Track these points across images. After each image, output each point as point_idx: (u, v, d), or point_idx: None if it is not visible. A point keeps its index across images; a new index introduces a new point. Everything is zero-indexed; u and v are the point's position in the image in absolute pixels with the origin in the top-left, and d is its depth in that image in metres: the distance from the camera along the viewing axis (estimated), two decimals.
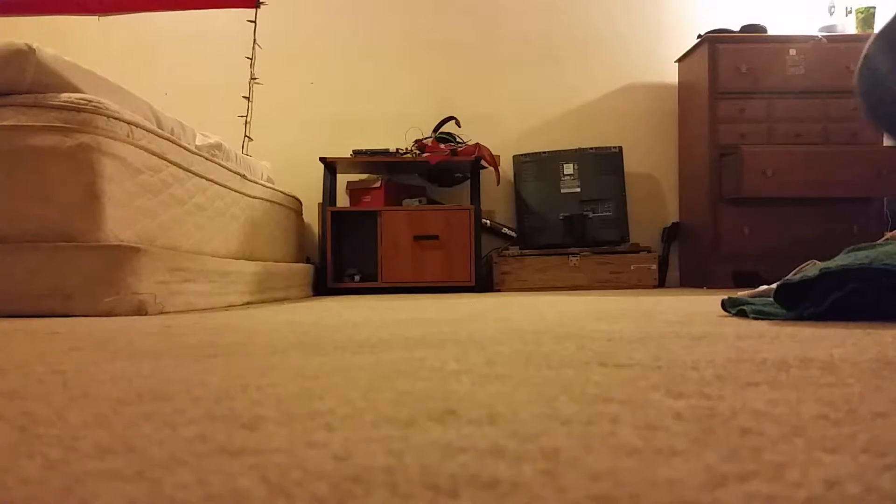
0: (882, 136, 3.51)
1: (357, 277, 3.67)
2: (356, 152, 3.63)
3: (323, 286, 3.54)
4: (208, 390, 0.56)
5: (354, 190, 3.75)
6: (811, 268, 1.30)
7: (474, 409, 0.47)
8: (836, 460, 0.34)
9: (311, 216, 3.97)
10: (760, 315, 1.29)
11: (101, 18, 3.88)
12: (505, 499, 0.29)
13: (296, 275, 3.22)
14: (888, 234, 1.43)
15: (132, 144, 1.90)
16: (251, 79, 3.61)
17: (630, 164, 4.04)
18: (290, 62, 4.11)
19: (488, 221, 3.95)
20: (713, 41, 3.57)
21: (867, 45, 1.42)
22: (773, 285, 1.36)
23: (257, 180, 2.94)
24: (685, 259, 3.97)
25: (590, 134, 4.11)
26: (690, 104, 3.84)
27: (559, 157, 3.85)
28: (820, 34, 3.56)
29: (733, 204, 3.50)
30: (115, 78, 2.05)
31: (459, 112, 4.04)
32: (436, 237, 3.51)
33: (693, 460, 0.34)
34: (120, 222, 1.82)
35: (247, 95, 3.61)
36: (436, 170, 3.71)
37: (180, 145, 2.18)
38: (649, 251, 3.69)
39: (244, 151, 3.44)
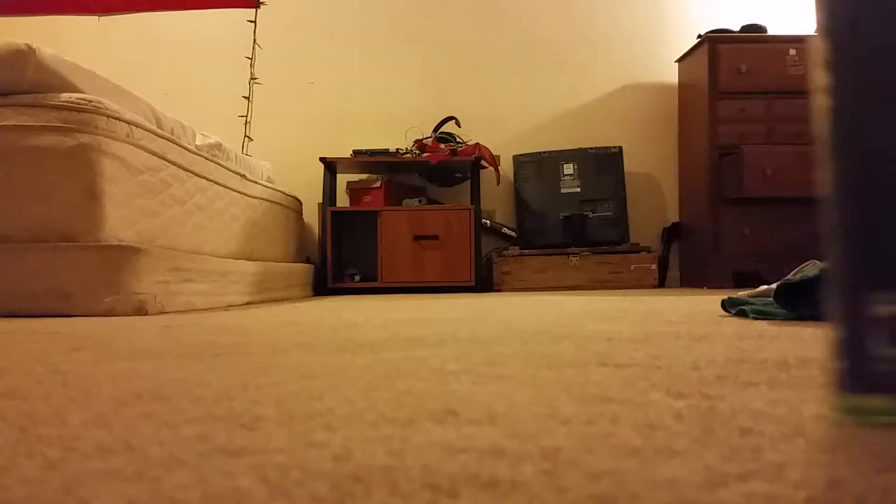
0: None
1: (357, 277, 3.67)
2: (356, 152, 3.64)
3: (323, 286, 3.54)
4: (208, 390, 0.56)
5: (354, 190, 3.75)
6: (811, 268, 1.29)
7: (474, 409, 0.47)
8: (835, 460, 0.34)
9: (311, 216, 3.97)
10: (760, 315, 1.29)
11: (101, 18, 3.88)
12: (505, 499, 0.29)
13: (296, 275, 3.22)
14: None
15: (132, 144, 1.90)
16: (251, 79, 3.61)
17: (630, 164, 4.04)
18: (290, 62, 4.11)
19: (488, 221, 3.95)
20: (713, 41, 3.57)
21: None
22: (773, 285, 1.36)
23: (257, 180, 2.94)
24: (685, 259, 3.97)
25: (590, 134, 4.11)
26: (690, 104, 3.84)
27: (559, 157, 3.85)
28: None
29: (733, 204, 3.50)
30: (115, 78, 2.05)
31: (459, 112, 4.04)
32: (436, 237, 3.51)
33: (693, 460, 0.34)
34: (120, 222, 1.82)
35: (247, 95, 3.61)
36: (436, 170, 3.71)
37: (180, 145, 2.18)
38: (649, 251, 3.69)
39: (244, 151, 3.44)
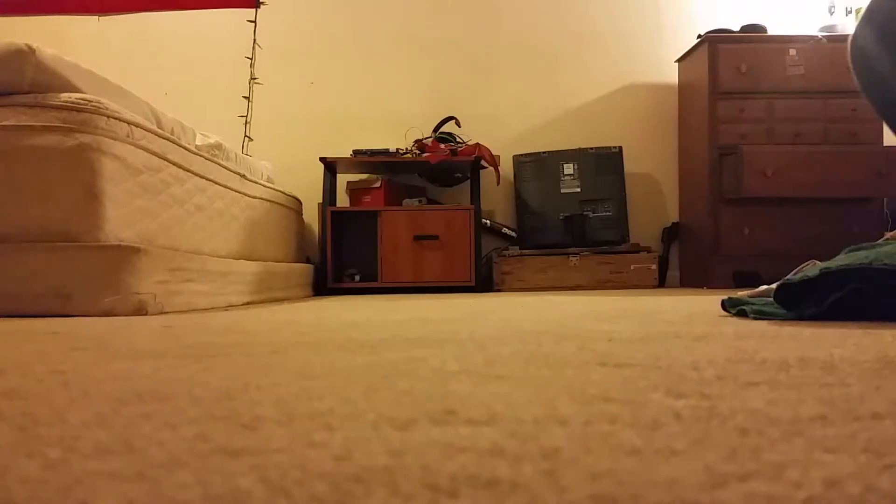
0: (882, 132, 3.51)
1: (357, 277, 3.67)
2: (356, 152, 3.63)
3: (323, 286, 3.54)
4: (208, 390, 0.56)
5: (354, 190, 3.75)
6: (811, 268, 1.29)
7: (474, 409, 0.47)
8: (836, 460, 0.34)
9: (311, 216, 3.96)
10: (760, 315, 1.29)
11: (101, 18, 3.88)
12: (505, 499, 0.29)
13: (296, 275, 3.22)
14: (888, 234, 1.43)
15: (132, 144, 1.90)
16: (251, 79, 3.61)
17: (630, 164, 4.04)
18: (290, 62, 4.11)
19: (488, 221, 3.95)
20: (713, 41, 3.57)
21: (856, 27, 1.40)
22: (773, 285, 1.36)
23: (257, 180, 2.94)
24: (685, 259, 3.97)
25: (590, 134, 4.11)
26: (690, 104, 3.84)
27: (559, 157, 3.85)
28: (820, 34, 3.56)
29: (733, 204, 3.50)
30: (115, 78, 2.05)
31: (459, 112, 4.04)
32: (436, 237, 3.51)
33: (693, 460, 0.34)
34: (120, 222, 1.82)
35: (247, 95, 3.61)
36: (436, 170, 3.71)
37: (180, 145, 2.18)
38: (649, 251, 3.69)
39: (244, 151, 3.44)
